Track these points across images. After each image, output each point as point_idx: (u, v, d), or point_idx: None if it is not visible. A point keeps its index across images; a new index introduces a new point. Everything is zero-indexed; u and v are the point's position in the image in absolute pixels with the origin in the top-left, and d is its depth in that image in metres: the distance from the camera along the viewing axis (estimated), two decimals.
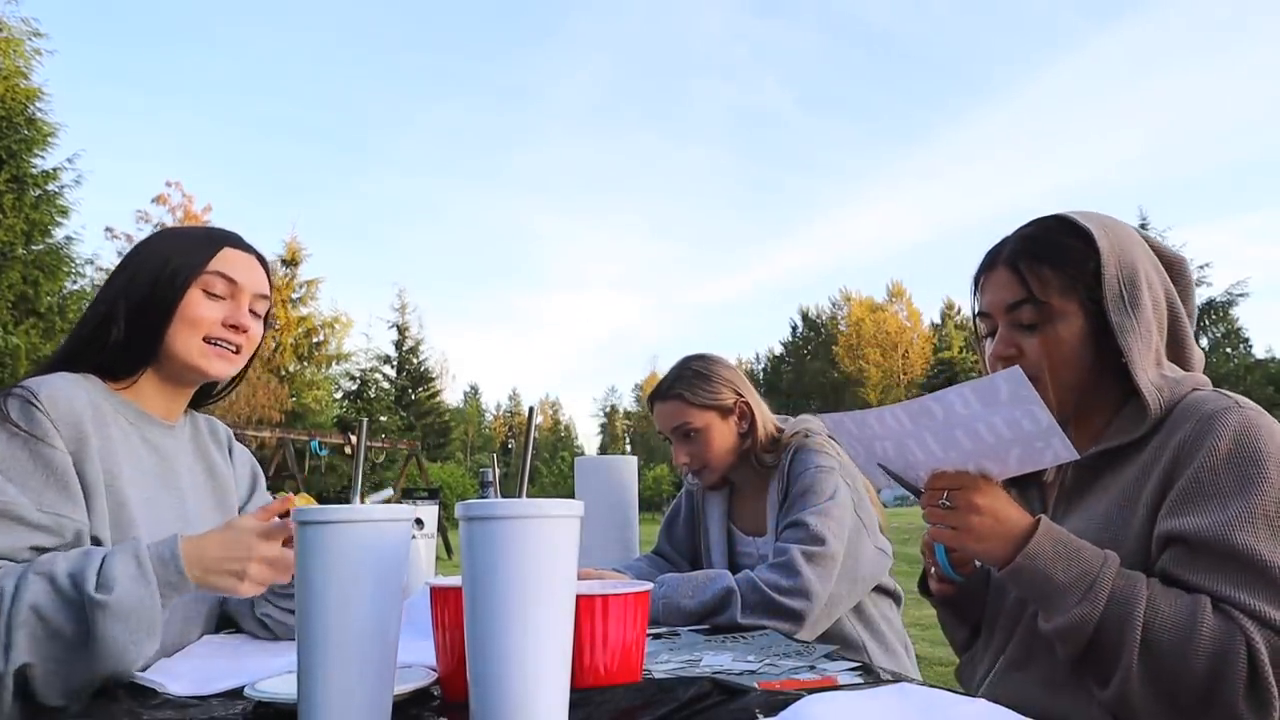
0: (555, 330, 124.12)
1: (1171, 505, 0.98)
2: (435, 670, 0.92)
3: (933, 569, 1.21)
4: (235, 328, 1.23)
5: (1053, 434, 0.96)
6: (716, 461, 1.80)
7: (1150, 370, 1.06)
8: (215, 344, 1.22)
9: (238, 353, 1.25)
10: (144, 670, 1.01)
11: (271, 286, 1.32)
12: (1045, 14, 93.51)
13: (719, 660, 1.10)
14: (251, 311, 1.26)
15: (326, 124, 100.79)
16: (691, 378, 1.80)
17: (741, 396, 1.80)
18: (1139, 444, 1.06)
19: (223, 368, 1.24)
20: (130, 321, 1.18)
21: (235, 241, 1.27)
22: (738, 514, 1.90)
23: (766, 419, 1.82)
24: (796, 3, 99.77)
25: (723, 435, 1.78)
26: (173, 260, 1.20)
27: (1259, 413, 1.00)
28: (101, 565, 0.95)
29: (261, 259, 1.30)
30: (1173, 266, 1.15)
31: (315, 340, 28.70)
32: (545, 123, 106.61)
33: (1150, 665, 0.92)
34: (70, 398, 1.10)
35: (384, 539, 0.72)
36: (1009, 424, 0.97)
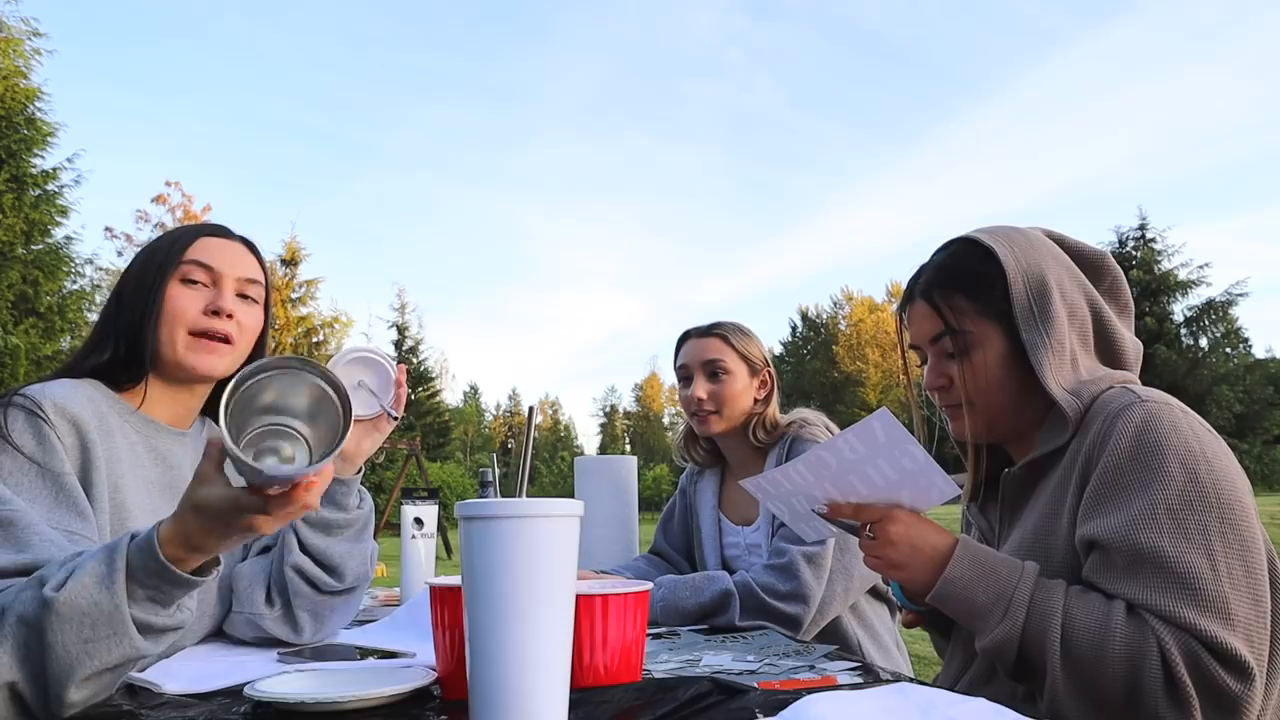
0: (554, 330, 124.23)
1: (1084, 509, 0.99)
2: (435, 670, 0.92)
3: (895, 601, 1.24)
4: (217, 313, 1.17)
5: (932, 471, 1.00)
6: (730, 409, 1.81)
7: (1065, 378, 1.06)
8: (200, 337, 1.17)
9: (228, 343, 1.19)
10: (141, 671, 1.00)
11: (264, 271, 1.26)
12: (1040, 15, 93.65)
13: (719, 660, 1.11)
14: (243, 296, 1.21)
15: (326, 124, 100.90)
16: (735, 328, 1.87)
17: (769, 366, 1.87)
18: (1061, 451, 1.07)
19: (211, 362, 1.17)
20: (124, 330, 1.16)
21: (213, 230, 1.24)
22: (727, 503, 1.91)
23: (776, 403, 1.87)
24: (789, 5, 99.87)
25: (745, 388, 1.83)
26: (151, 261, 1.18)
27: (1163, 405, 0.99)
28: (76, 563, 0.86)
29: (248, 243, 1.26)
30: (1092, 265, 1.16)
31: (315, 340, 28.69)
32: (544, 124, 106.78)
33: (1072, 674, 0.93)
34: (75, 404, 1.07)
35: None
36: (892, 465, 1.01)
